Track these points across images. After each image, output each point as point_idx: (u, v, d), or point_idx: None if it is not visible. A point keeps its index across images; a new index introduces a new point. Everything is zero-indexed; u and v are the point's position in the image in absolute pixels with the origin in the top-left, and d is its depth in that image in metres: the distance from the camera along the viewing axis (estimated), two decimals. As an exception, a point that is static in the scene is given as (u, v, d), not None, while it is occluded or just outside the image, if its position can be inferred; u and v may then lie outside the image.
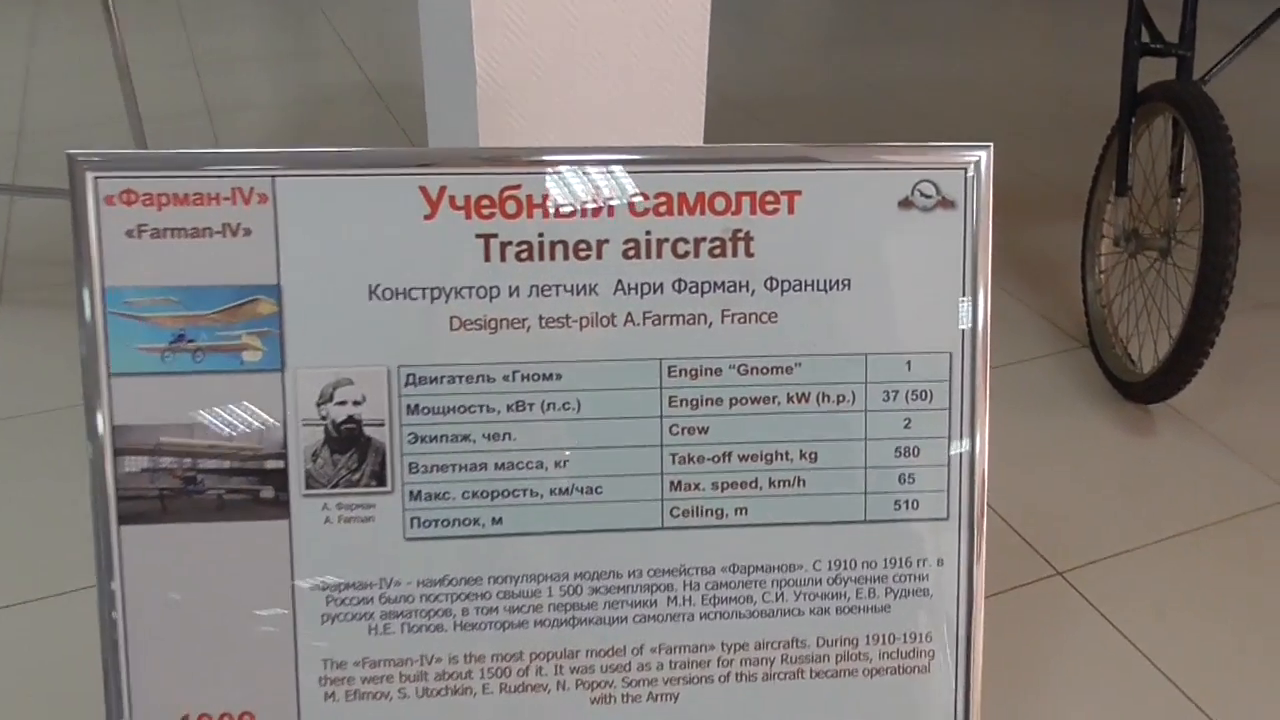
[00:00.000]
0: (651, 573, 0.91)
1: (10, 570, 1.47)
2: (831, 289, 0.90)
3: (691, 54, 1.22)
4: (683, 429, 0.90)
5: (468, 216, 0.86)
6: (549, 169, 0.87)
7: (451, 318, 0.87)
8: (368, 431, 0.87)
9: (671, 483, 0.90)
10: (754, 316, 0.89)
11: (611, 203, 0.87)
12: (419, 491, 0.88)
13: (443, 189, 0.86)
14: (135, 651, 0.87)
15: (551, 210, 0.87)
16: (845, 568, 0.92)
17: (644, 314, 0.89)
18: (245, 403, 0.86)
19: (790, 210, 0.89)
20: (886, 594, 0.93)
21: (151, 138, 2.22)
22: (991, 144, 0.90)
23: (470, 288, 0.87)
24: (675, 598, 0.91)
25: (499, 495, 0.89)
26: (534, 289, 0.88)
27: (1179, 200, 1.85)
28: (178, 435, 0.86)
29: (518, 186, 0.87)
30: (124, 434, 0.85)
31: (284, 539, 0.88)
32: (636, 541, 0.91)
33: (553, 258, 0.87)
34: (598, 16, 1.17)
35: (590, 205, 0.87)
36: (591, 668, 0.91)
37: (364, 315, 0.86)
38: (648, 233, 0.88)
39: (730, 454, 0.90)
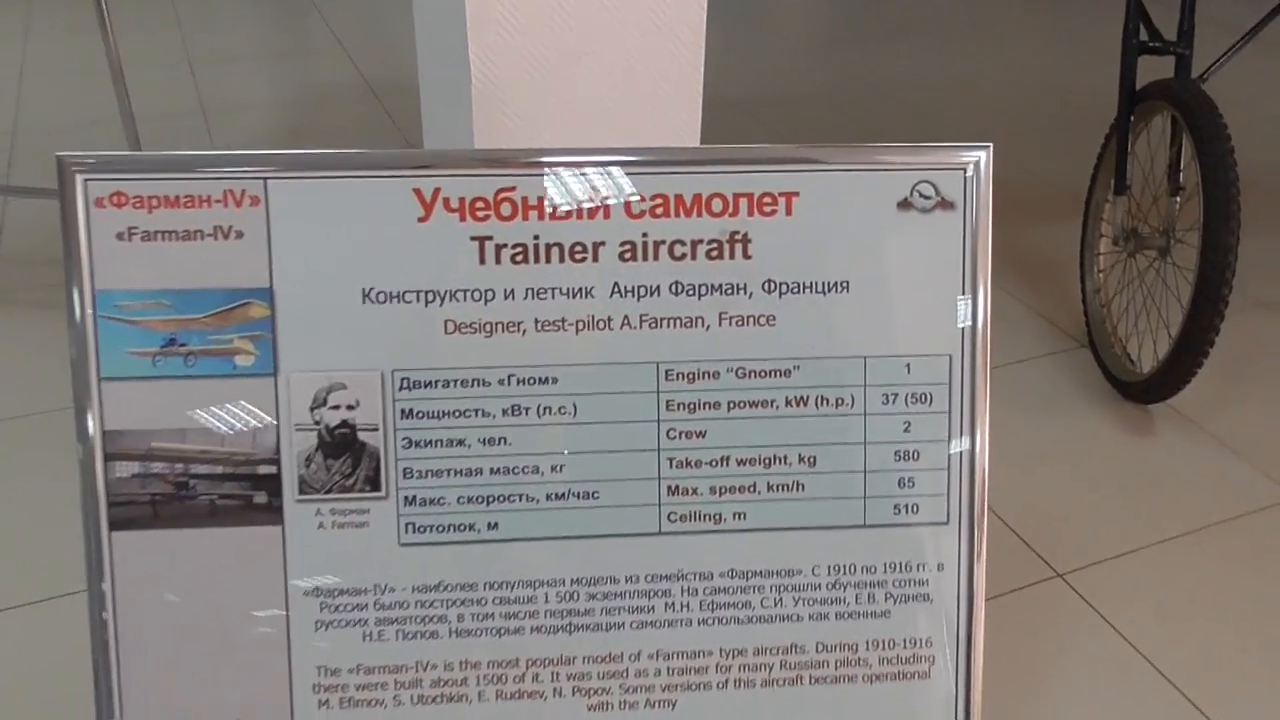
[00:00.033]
0: (649, 578, 0.90)
1: (4, 573, 1.46)
2: (830, 291, 0.89)
3: (688, 53, 1.21)
4: (680, 433, 0.89)
5: (462, 219, 0.86)
6: (544, 170, 0.86)
7: (446, 321, 0.86)
8: (361, 436, 0.87)
9: (669, 487, 0.89)
10: (752, 319, 0.89)
11: (608, 204, 0.87)
12: (414, 497, 0.87)
13: (437, 191, 0.85)
14: (126, 660, 0.86)
15: (547, 212, 0.86)
16: (844, 573, 0.91)
17: (641, 317, 0.88)
18: (237, 408, 0.85)
19: (788, 212, 0.88)
20: (886, 599, 0.92)
21: (146, 137, 2.21)
22: (991, 144, 0.89)
23: (465, 291, 0.86)
24: (673, 603, 0.90)
25: (495, 500, 0.88)
26: (529, 292, 0.87)
27: (1178, 199, 1.84)
28: (169, 440, 0.85)
29: (512, 188, 0.86)
30: (115, 439, 0.85)
31: (277, 545, 0.87)
32: (634, 547, 0.90)
33: (548, 260, 0.87)
34: (593, 15, 1.16)
35: (586, 207, 0.86)
36: (589, 674, 0.91)
37: (357, 319, 0.85)
38: (644, 234, 0.87)
39: (728, 458, 0.89)
